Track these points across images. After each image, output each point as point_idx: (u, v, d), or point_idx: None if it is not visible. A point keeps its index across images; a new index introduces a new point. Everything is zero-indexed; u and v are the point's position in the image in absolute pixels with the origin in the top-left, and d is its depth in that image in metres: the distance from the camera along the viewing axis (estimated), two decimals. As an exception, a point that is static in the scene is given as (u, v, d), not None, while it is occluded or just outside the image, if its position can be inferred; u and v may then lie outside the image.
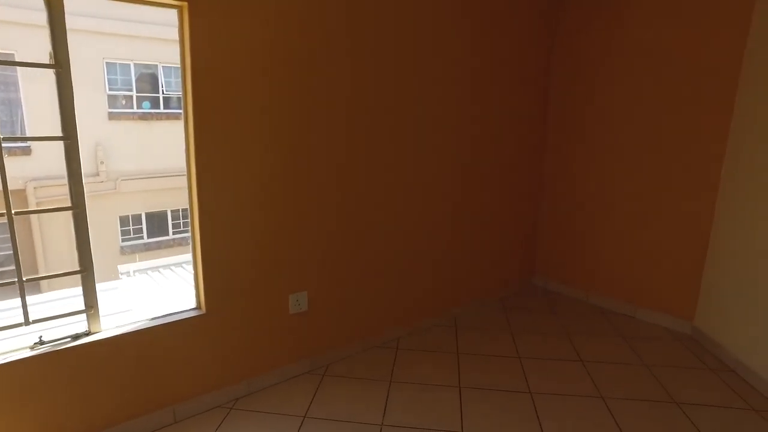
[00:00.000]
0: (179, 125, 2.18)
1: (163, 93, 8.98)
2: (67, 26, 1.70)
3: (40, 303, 2.92)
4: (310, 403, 2.30)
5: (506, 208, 3.43)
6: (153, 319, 2.04)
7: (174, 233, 9.58)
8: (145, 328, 1.97)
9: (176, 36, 1.92)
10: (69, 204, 1.83)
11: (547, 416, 2.23)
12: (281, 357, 2.41)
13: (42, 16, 1.68)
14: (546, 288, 3.82)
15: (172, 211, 9.47)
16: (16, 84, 7.49)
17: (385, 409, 2.26)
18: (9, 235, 1.73)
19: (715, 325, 2.88)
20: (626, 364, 2.72)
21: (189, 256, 2.26)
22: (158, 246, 9.29)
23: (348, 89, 2.40)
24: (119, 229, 8.89)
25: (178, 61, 1.94)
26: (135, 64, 8.58)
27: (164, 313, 2.09)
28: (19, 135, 7.55)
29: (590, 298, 3.55)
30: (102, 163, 8.19)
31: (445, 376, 2.54)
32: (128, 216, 8.97)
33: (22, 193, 7.47)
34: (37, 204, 7.59)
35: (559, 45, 3.50)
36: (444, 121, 2.89)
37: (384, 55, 2.52)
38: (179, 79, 1.99)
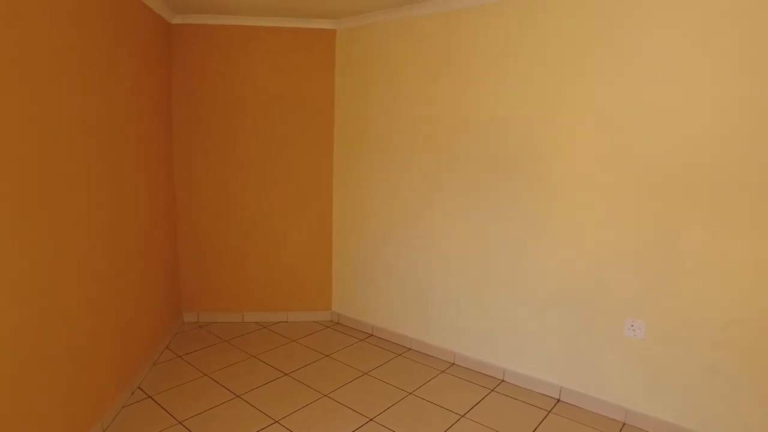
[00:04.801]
0: None
1: None
2: None
3: None
4: None
5: (145, 251, 3.02)
6: None
7: None
8: None
9: None
10: None
11: None
12: None
13: None
14: (200, 321, 3.72)
15: None
16: None
17: None
18: None
19: (347, 306, 3.75)
20: (315, 362, 3.17)
21: None
22: None
23: None
24: None
25: None
26: None
27: None
28: None
29: (246, 317, 3.75)
30: None
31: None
32: None
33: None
34: None
35: (177, 87, 3.44)
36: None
37: None
38: None
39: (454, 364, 3.18)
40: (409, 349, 3.39)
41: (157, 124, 3.17)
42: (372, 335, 3.61)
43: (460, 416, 2.59)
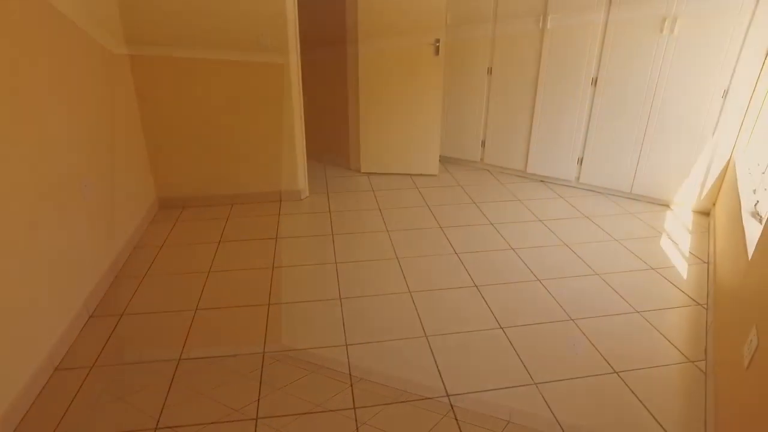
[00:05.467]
0: None
1: None
2: None
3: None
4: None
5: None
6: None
7: None
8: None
9: None
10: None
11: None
12: None
13: None
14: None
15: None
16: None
17: None
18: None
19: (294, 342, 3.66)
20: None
21: None
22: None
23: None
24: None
25: None
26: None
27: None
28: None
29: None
30: None
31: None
32: None
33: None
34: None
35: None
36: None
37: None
38: None
39: (405, 391, 3.10)
40: (361, 379, 3.30)
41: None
42: (323, 366, 3.49)
43: (410, 443, 2.50)
